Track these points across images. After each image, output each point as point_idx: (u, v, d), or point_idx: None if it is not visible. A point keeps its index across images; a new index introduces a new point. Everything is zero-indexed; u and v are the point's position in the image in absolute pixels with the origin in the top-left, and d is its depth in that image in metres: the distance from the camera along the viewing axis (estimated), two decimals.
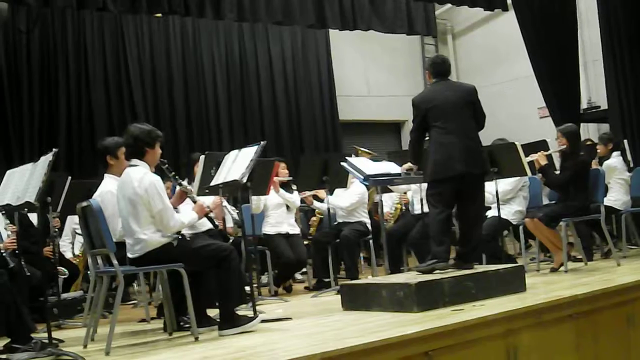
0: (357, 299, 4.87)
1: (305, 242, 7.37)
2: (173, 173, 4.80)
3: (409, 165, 5.65)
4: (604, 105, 10.48)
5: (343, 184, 6.79)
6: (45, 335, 4.10)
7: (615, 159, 7.36)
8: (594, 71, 10.94)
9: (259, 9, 8.87)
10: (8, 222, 5.59)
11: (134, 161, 4.49)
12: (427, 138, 5.32)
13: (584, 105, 10.87)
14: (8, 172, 4.47)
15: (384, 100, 12.69)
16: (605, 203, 6.60)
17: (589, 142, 8.60)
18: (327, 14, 9.57)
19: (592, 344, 4.50)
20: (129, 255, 4.41)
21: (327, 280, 6.75)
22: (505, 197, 6.49)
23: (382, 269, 6.54)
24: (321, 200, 7.06)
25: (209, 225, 5.35)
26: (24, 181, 4.09)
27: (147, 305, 5.69)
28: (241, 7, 8.69)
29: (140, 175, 4.36)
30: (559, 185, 6.41)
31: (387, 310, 4.56)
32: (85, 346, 4.29)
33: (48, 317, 4.23)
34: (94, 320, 4.52)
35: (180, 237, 4.52)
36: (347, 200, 7.05)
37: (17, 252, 5.22)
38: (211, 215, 4.88)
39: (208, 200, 5.30)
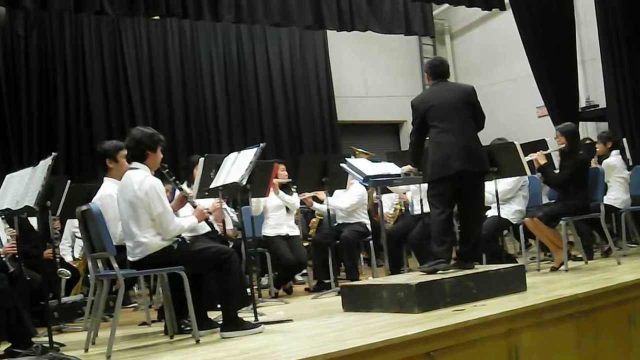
0: (357, 300, 4.87)
1: (305, 244, 7.36)
2: (173, 177, 4.80)
3: (408, 167, 5.66)
4: (602, 103, 10.50)
5: (342, 185, 6.79)
6: (46, 339, 4.09)
7: (615, 158, 7.35)
8: (592, 70, 10.93)
9: (256, 10, 8.86)
10: (8, 226, 5.58)
11: (135, 164, 4.49)
12: (427, 139, 5.32)
13: (582, 104, 10.88)
14: (7, 176, 4.46)
15: (382, 101, 12.67)
16: (605, 202, 6.61)
17: (588, 141, 8.62)
18: (325, 15, 9.58)
19: (593, 343, 4.49)
20: (130, 258, 4.40)
21: (327, 281, 6.76)
22: (505, 196, 6.49)
23: (383, 269, 6.53)
24: (321, 202, 7.06)
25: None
26: (24, 185, 4.09)
27: (147, 308, 5.68)
28: (239, 8, 8.69)
29: (140, 178, 4.36)
30: (559, 184, 6.41)
31: (387, 311, 4.56)
32: (86, 350, 4.28)
33: (49, 321, 4.23)
34: (95, 324, 4.51)
35: (180, 240, 4.52)
36: (346, 202, 7.05)
37: (17, 256, 5.21)
38: (211, 219, 4.88)
39: (207, 203, 5.30)
